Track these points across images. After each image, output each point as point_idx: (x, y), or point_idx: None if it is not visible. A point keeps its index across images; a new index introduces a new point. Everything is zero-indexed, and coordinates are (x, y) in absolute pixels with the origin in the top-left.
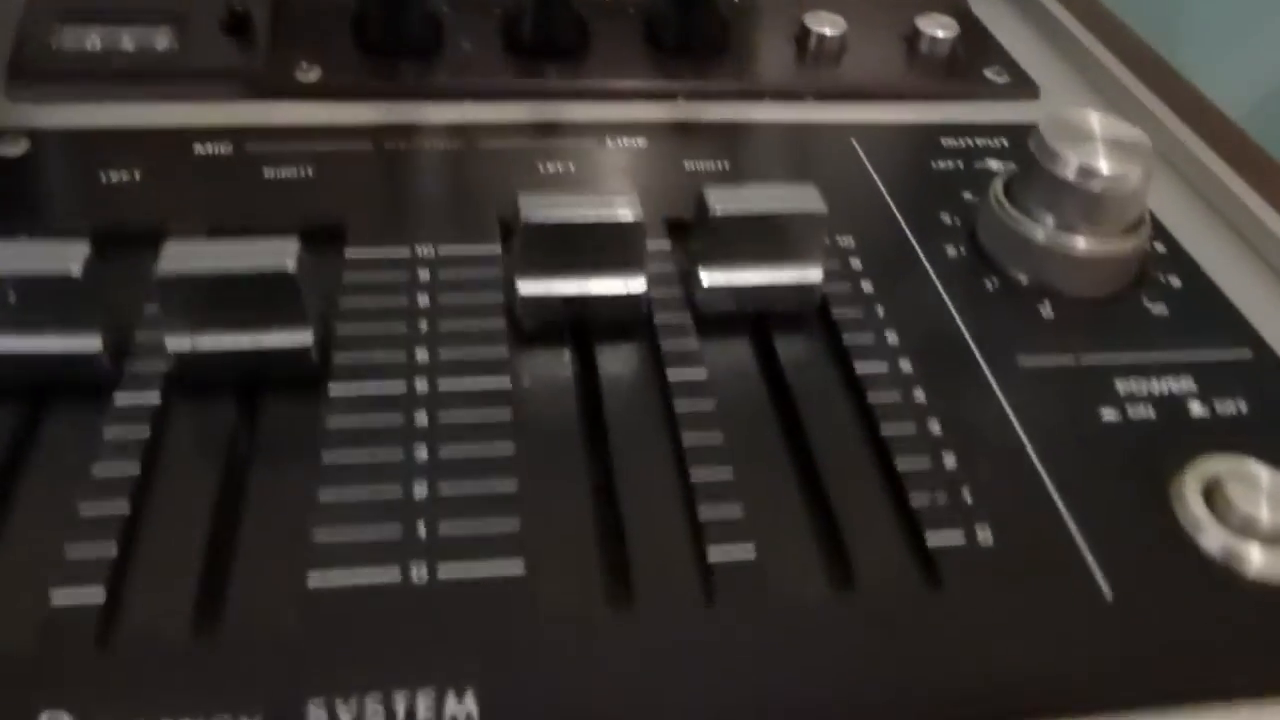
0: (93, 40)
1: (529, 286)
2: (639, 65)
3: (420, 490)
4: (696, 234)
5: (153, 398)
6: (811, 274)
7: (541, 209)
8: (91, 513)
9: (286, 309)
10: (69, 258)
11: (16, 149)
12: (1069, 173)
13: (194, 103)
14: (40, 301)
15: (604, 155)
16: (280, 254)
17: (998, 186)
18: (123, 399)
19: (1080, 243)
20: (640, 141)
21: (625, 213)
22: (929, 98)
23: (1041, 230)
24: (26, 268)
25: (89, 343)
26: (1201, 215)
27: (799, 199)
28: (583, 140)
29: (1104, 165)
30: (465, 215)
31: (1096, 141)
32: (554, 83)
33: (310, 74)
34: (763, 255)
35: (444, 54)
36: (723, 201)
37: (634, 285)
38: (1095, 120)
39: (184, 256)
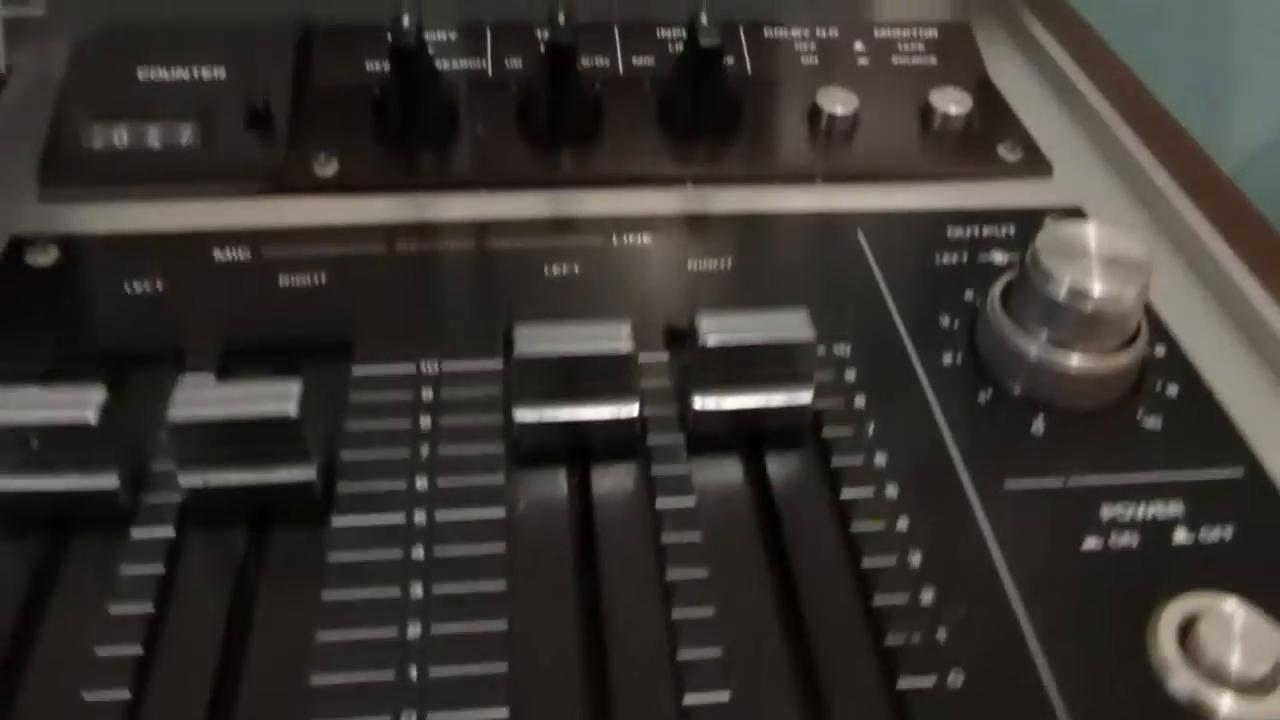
0: (120, 136)
1: (525, 414)
2: (651, 149)
3: (414, 630)
4: (689, 359)
5: (167, 531)
6: (801, 396)
7: (536, 342)
8: (108, 653)
9: (290, 448)
10: (85, 404)
11: (46, 258)
12: (1061, 292)
13: (217, 200)
14: (60, 445)
15: (609, 256)
16: (283, 399)
17: (995, 294)
18: (139, 533)
19: (1073, 359)
20: (645, 239)
21: (618, 345)
22: (939, 178)
23: (1035, 345)
24: (46, 417)
25: (106, 480)
26: (1208, 309)
27: (789, 327)
28: (590, 238)
29: (1097, 286)
30: (470, 327)
31: (1091, 259)
32: (567, 169)
33: (328, 168)
34: (754, 380)
35: (459, 139)
36: (714, 331)
37: (627, 411)
38: (1093, 235)
39: (193, 402)
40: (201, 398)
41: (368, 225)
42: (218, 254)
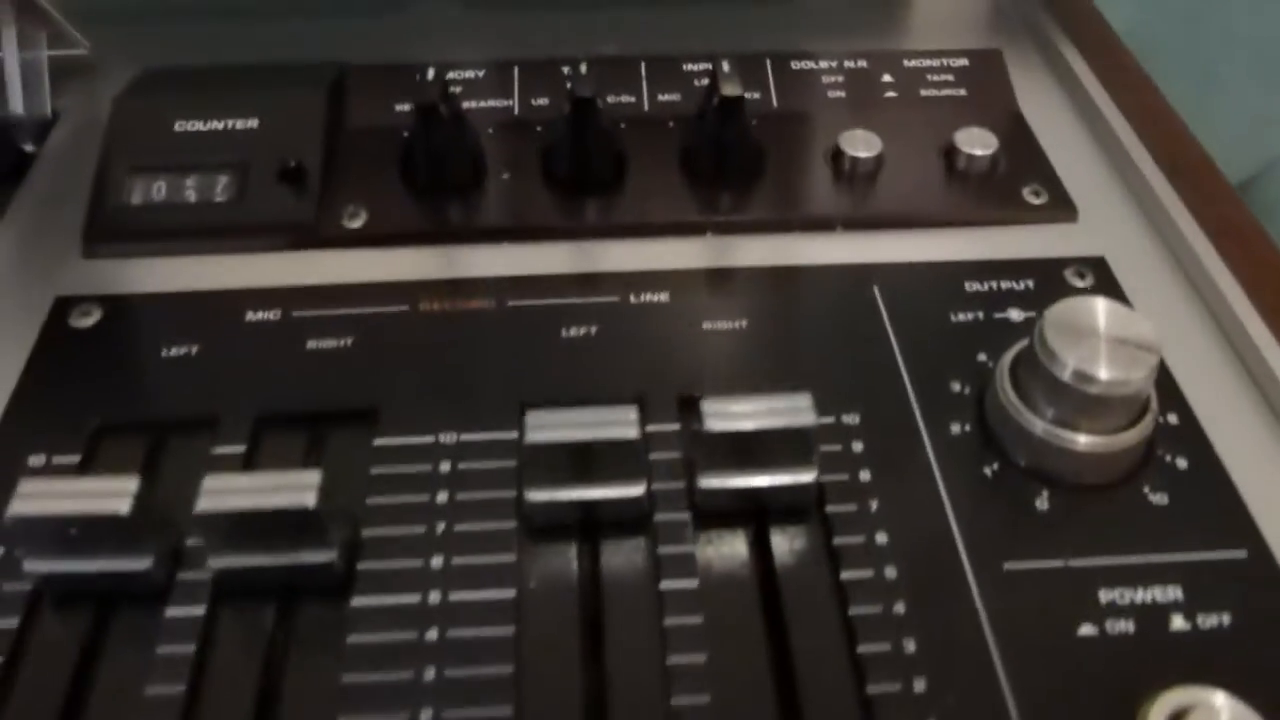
0: (159, 189)
1: (536, 494)
2: (672, 196)
3: (426, 716)
4: (694, 441)
5: (199, 609)
6: (804, 476)
7: (545, 429)
8: None
9: (311, 534)
10: (119, 495)
11: (89, 320)
12: (1066, 374)
13: (251, 254)
14: (96, 533)
15: (625, 316)
16: (303, 490)
17: (1005, 366)
18: (173, 612)
19: (1079, 439)
20: (662, 296)
21: (626, 431)
22: (961, 223)
23: (1040, 423)
24: (82, 508)
25: (141, 562)
26: (1226, 372)
27: (791, 412)
28: (607, 295)
29: (1103, 370)
30: (488, 394)
31: (1099, 340)
32: (589, 218)
33: (356, 220)
34: (758, 461)
35: (485, 186)
36: (717, 416)
37: (635, 490)
38: (1102, 315)
39: (219, 494)
40: (227, 488)
41: (392, 283)
42: (250, 315)
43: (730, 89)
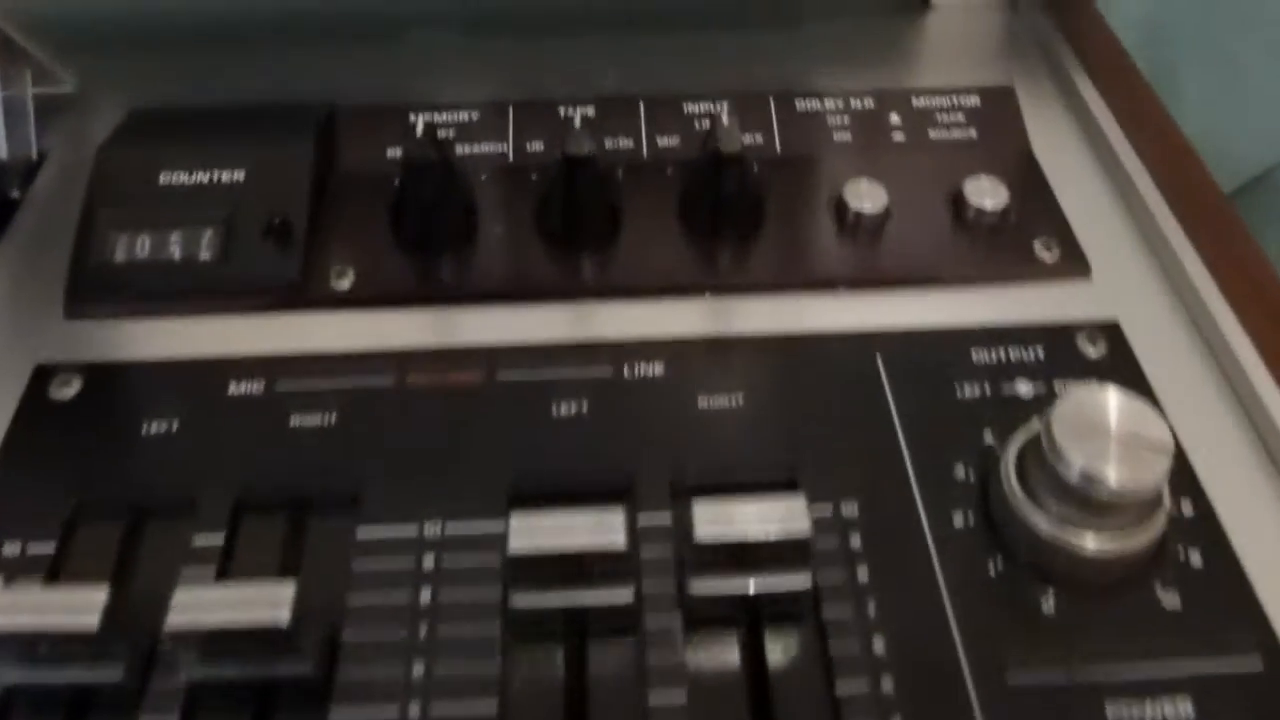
0: (143, 246)
1: (521, 599)
2: (669, 254)
3: None
4: (686, 547)
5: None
6: (799, 581)
7: (530, 536)
8: None
9: (285, 646)
10: (88, 609)
11: (69, 391)
12: (1074, 475)
13: (236, 315)
14: (66, 646)
15: (618, 392)
16: (276, 605)
17: (1010, 458)
18: None
19: (1088, 541)
20: (657, 368)
21: (613, 539)
22: (969, 281)
23: (1046, 522)
24: (50, 623)
25: (111, 673)
26: (1245, 453)
27: (787, 518)
28: (600, 367)
29: (1113, 472)
30: (475, 479)
31: (1109, 439)
32: (583, 277)
33: (344, 280)
34: (750, 566)
35: (477, 241)
36: (709, 524)
37: (623, 596)
38: (1113, 410)
39: (189, 609)
40: (197, 603)
41: (379, 352)
42: (233, 387)
43: (729, 146)
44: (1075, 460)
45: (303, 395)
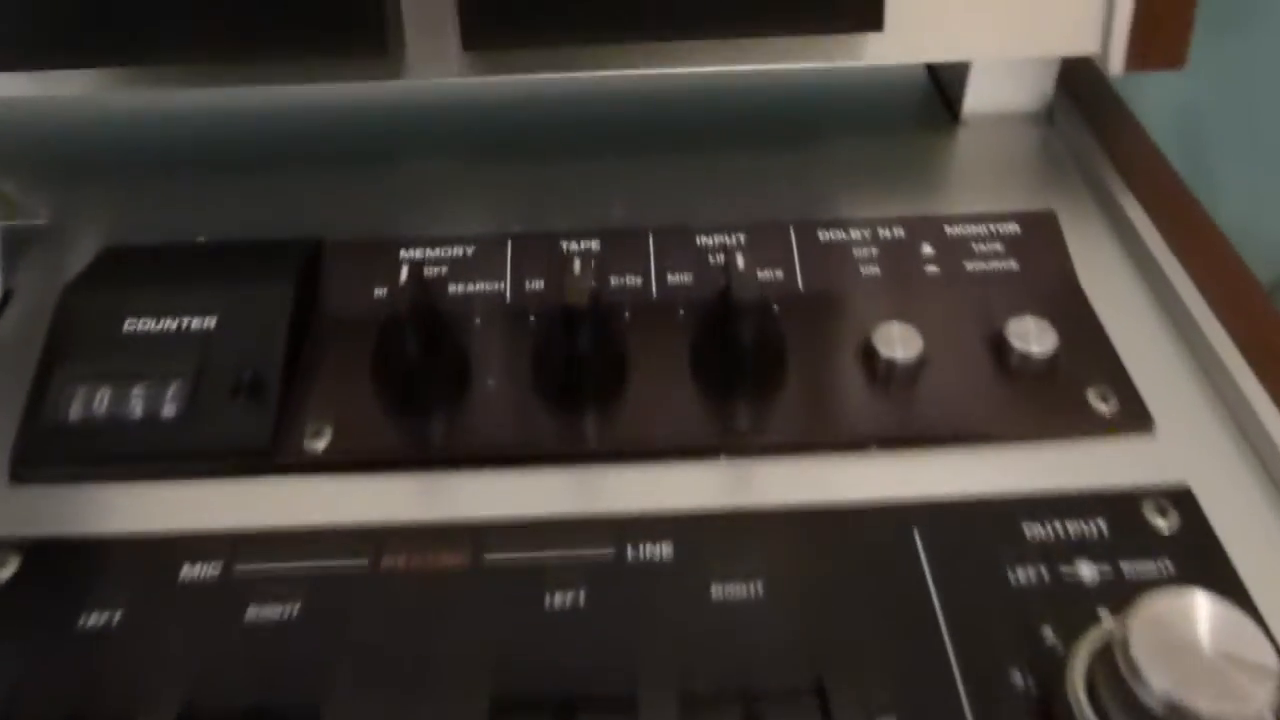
0: (101, 402)
1: None
2: (680, 409)
3: None
4: None
5: None
6: None
7: None
8: None
9: None
10: None
11: (5, 572)
12: (1155, 704)
13: (199, 481)
14: None
15: (620, 579)
16: None
17: (1079, 670)
18: None
19: None
20: (665, 550)
21: None
22: (1016, 439)
23: None
24: None
25: None
26: None
27: None
28: (601, 548)
29: (1205, 703)
30: (454, 691)
31: (1200, 660)
32: (584, 437)
33: (319, 440)
34: None
35: (468, 396)
36: None
37: None
38: (1203, 621)
39: None
40: None
41: (352, 528)
42: (186, 570)
43: (745, 292)
44: (1158, 685)
45: (263, 580)
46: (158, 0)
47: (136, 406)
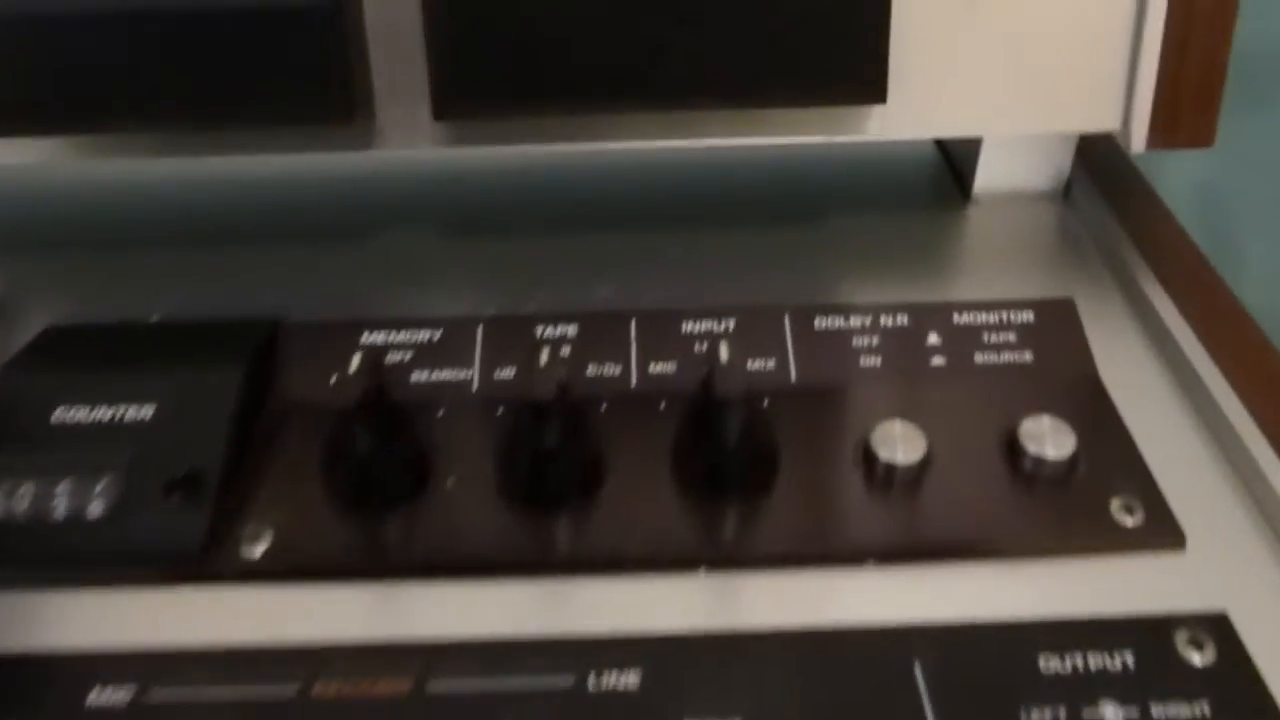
0: (22, 503)
1: None
2: (657, 515)
3: None
4: None
5: None
6: None
7: None
8: None
9: None
10: None
11: None
12: None
13: (121, 590)
14: None
15: (578, 713)
16: None
17: None
18: None
19: None
20: (633, 680)
21: None
22: (1029, 555)
23: None
24: None
25: None
26: None
27: None
28: (560, 675)
29: None
30: None
31: None
32: (549, 546)
33: (257, 544)
34: None
35: (424, 498)
36: None
37: None
38: None
39: None
40: None
41: (284, 649)
42: (94, 695)
43: (727, 389)
44: None
45: (180, 709)
46: (115, 68)
47: (60, 505)
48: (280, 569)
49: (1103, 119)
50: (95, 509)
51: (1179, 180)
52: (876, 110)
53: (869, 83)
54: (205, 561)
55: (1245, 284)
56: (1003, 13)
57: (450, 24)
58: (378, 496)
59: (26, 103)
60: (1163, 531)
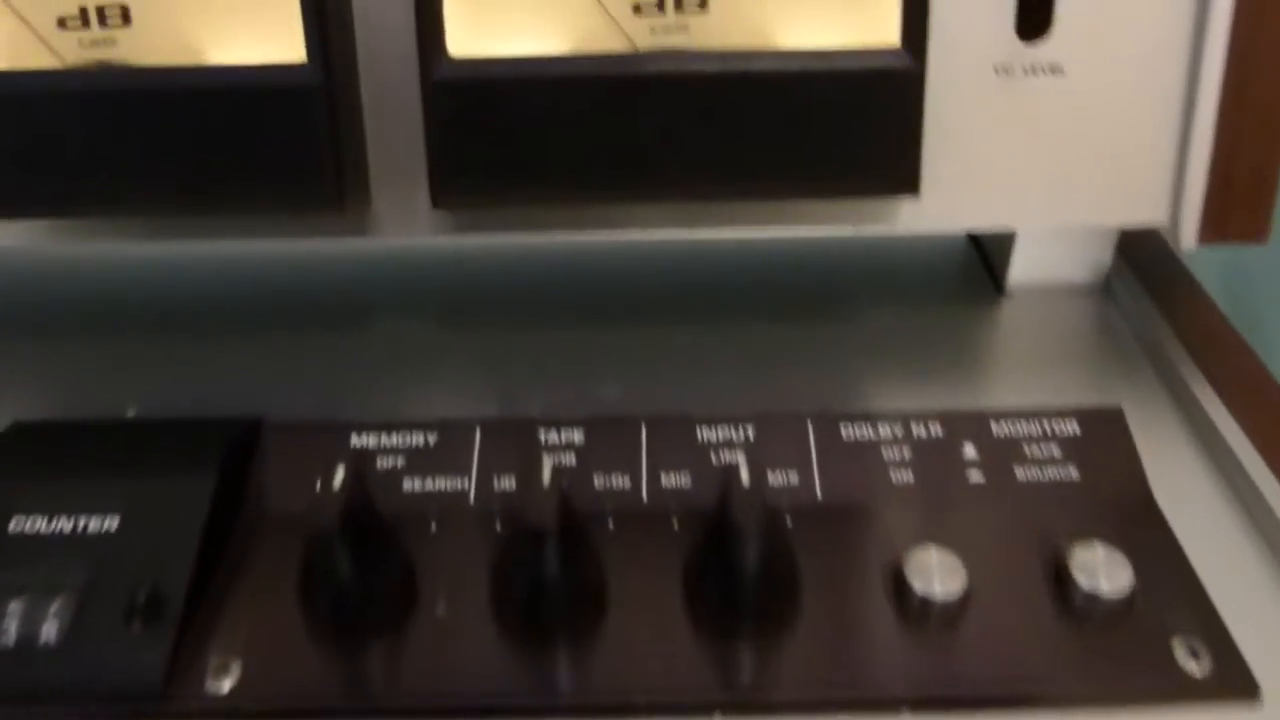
0: None
1: None
2: (669, 650)
3: None
4: None
5: None
6: None
7: None
8: None
9: None
10: None
11: None
12: None
13: None
14: None
15: None
16: None
17: None
18: None
19: None
20: None
21: None
22: (1082, 705)
23: None
24: None
25: None
26: None
27: None
28: None
29: None
30: None
31: None
32: (550, 683)
33: (224, 679)
34: None
35: (413, 627)
36: None
37: None
38: None
39: None
40: None
41: None
42: None
43: (743, 515)
44: None
45: None
46: (97, 151)
47: (10, 629)
48: (250, 706)
49: (1150, 213)
50: (49, 633)
51: (1204, 254)
52: (908, 203)
53: (902, 173)
54: (167, 697)
55: (1274, 363)
56: (1041, 103)
57: (451, 107)
58: (359, 623)
59: (4, 185)
60: (1233, 677)
